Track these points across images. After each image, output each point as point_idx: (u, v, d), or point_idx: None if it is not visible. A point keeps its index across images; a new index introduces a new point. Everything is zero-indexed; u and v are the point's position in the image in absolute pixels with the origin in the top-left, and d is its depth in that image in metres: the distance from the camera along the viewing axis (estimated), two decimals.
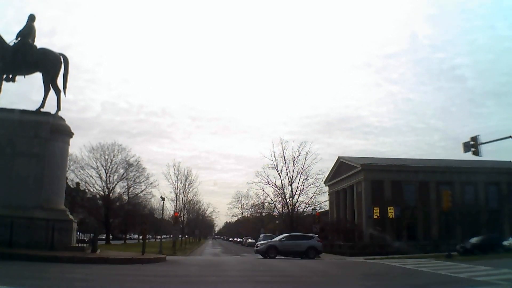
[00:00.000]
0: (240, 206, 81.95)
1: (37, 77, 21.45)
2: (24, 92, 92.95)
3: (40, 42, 21.50)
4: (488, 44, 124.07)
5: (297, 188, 61.61)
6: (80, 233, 23.34)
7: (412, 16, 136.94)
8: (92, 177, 55.75)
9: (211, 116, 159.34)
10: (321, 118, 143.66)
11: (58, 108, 20.82)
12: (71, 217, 20.51)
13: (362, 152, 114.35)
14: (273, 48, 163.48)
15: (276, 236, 62.61)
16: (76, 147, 57.99)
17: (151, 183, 60.58)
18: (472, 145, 23.74)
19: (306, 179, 60.82)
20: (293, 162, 61.02)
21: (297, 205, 62.68)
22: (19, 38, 20.45)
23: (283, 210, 65.21)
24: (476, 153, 23.65)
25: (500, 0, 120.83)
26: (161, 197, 43.90)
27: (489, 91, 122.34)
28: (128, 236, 71.11)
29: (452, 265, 21.47)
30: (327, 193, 68.75)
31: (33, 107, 20.93)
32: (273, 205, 68.16)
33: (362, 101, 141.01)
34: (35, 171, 18.95)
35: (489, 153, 24.65)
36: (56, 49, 21.45)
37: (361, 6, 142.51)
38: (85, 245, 20.00)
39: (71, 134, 21.12)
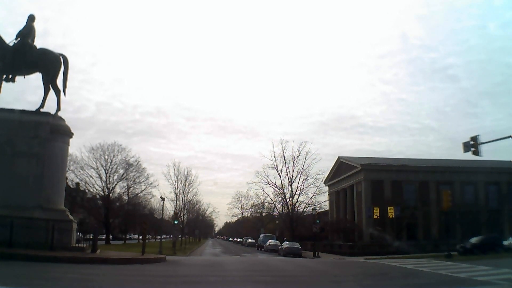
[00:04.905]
0: (240, 206, 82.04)
1: (33, 78, 21.41)
2: (20, 93, 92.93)
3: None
4: (480, 44, 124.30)
5: (297, 188, 61.82)
6: (80, 233, 23.35)
7: (402, 17, 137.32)
8: (92, 177, 55.65)
9: (206, 116, 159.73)
10: (316, 118, 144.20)
11: (58, 108, 20.75)
12: (71, 217, 20.46)
13: (358, 152, 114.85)
14: (267, 49, 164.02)
15: (275, 236, 63.11)
16: (73, 147, 57.80)
17: (151, 183, 60.56)
18: (472, 145, 23.69)
19: (306, 179, 61.04)
20: (293, 162, 61.21)
21: (297, 205, 62.83)
22: (18, 38, 20.38)
23: (283, 210, 65.28)
24: (476, 153, 23.60)
25: (491, 0, 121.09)
26: (161, 197, 43.83)
27: (483, 91, 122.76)
28: (128, 236, 71.01)
29: (452, 265, 21.48)
30: (327, 193, 68.79)
31: (28, 108, 20.84)
32: (273, 205, 68.32)
33: (356, 101, 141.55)
34: (35, 171, 18.90)
35: (486, 153, 24.59)
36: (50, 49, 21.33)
37: (352, 7, 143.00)
38: (85, 245, 19.97)
39: (70, 134, 21.05)
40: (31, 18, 20.96)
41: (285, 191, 62.60)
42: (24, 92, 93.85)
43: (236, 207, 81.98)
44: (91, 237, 21.33)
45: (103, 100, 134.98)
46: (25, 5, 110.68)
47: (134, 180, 59.20)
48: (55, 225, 17.90)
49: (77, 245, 19.81)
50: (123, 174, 57.58)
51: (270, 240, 55.78)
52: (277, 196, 64.18)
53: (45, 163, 19.15)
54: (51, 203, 19.31)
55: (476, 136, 23.79)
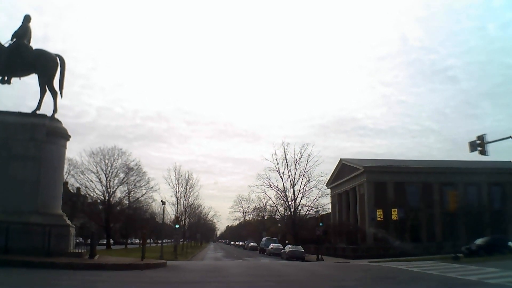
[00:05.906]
0: (241, 209, 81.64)
1: (33, 83, 20.93)
2: (20, 98, 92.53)
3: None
4: (480, 45, 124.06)
5: (299, 190, 61.12)
6: (81, 239, 22.86)
7: (401, 19, 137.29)
8: (92, 181, 55.08)
9: (207, 120, 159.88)
10: (316, 121, 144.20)
11: (55, 110, 20.29)
12: (68, 222, 19.95)
13: (359, 155, 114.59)
14: (267, 52, 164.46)
15: (278, 240, 62.58)
16: (74, 152, 57.40)
17: (152, 187, 60.01)
18: (479, 144, 23.22)
19: (308, 181, 60.34)
20: (295, 164, 60.58)
21: (299, 208, 62.22)
22: (14, 39, 19.96)
23: (285, 213, 64.69)
24: (483, 152, 23.12)
25: (490, 1, 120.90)
26: (162, 201, 43.23)
27: (484, 92, 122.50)
28: (129, 241, 70.46)
29: (459, 267, 21.00)
30: (329, 195, 68.21)
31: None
32: (275, 208, 67.74)
33: (356, 103, 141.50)
34: (31, 174, 18.41)
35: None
36: None
37: (351, 9, 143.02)
38: (83, 250, 19.46)
39: (68, 137, 20.56)
40: (27, 19, 20.53)
41: (287, 193, 61.99)
42: (24, 98, 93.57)
43: (237, 211, 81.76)
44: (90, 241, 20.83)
45: (104, 105, 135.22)
46: (25, 10, 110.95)
47: (134, 184, 58.75)
48: (52, 230, 17.41)
49: (75, 250, 19.27)
50: (124, 178, 57.12)
51: (273, 244, 55.25)
52: (279, 199, 63.62)
53: (41, 167, 18.67)
54: (48, 208, 18.80)
55: (482, 135, 23.32)
